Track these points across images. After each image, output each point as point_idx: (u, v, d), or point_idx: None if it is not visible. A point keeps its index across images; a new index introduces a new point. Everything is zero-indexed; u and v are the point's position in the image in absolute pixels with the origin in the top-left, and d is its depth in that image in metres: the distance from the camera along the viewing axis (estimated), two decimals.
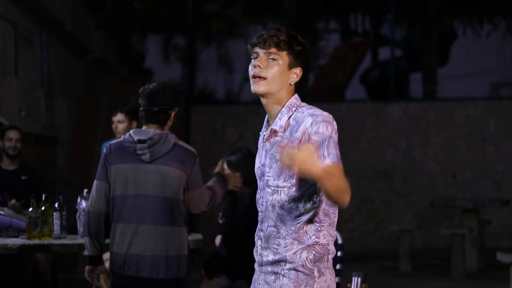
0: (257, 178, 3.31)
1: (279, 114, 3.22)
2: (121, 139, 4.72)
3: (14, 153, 7.38)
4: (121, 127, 7.27)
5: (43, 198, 5.69)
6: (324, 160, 3.04)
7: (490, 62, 18.58)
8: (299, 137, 3.12)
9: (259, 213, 3.29)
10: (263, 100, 3.25)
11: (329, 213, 3.19)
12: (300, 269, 3.15)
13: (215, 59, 24.22)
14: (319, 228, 3.16)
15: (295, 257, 3.15)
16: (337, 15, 19.51)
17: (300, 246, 3.15)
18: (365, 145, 13.97)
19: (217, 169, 5.35)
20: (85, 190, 5.87)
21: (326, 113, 3.15)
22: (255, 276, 3.32)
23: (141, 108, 4.77)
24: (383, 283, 10.13)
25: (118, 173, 4.62)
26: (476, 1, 17.25)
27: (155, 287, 4.55)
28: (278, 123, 3.21)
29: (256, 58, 3.24)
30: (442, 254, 12.27)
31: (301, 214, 3.15)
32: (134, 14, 20.26)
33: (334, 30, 20.10)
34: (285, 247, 3.17)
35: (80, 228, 5.81)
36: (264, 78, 3.21)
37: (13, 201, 6.87)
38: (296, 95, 3.26)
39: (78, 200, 5.82)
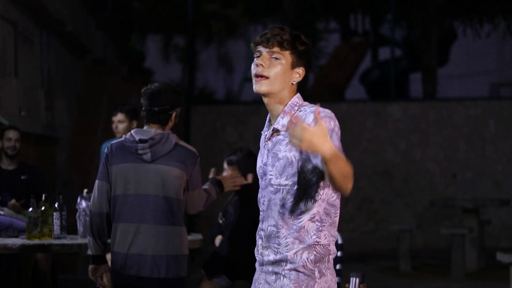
0: (259, 177, 3.31)
1: (282, 113, 3.21)
2: (122, 139, 4.73)
3: (13, 153, 7.38)
4: (121, 127, 7.28)
5: (43, 198, 5.69)
6: None
7: (490, 62, 18.58)
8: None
9: (261, 212, 3.28)
10: (265, 100, 3.24)
11: (330, 213, 3.18)
12: (301, 269, 3.15)
13: (215, 59, 24.22)
14: (320, 228, 3.16)
15: (296, 257, 3.14)
16: (337, 15, 19.51)
17: (301, 246, 3.14)
18: (365, 145, 13.97)
19: (211, 174, 5.39)
20: (85, 190, 5.87)
21: (328, 110, 3.14)
22: (256, 275, 3.32)
23: (143, 108, 4.79)
24: (383, 283, 10.13)
25: (119, 172, 4.63)
26: (476, 1, 17.25)
27: (155, 286, 4.57)
28: (281, 122, 3.20)
29: (259, 57, 3.23)
30: (442, 254, 12.27)
31: (302, 213, 3.15)
32: (134, 14, 20.27)
33: (334, 30, 20.09)
34: (286, 246, 3.16)
35: (80, 228, 5.82)
36: (267, 77, 3.19)
37: (13, 201, 6.87)
38: (298, 94, 3.26)
39: (78, 200, 5.83)
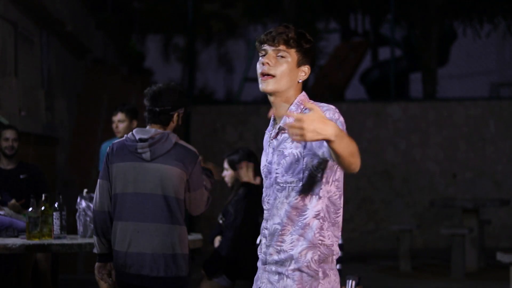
0: (263, 176, 3.30)
1: (288, 111, 3.19)
2: (124, 138, 4.75)
3: (11, 153, 7.38)
4: (121, 126, 7.29)
5: (43, 198, 5.69)
6: None
7: (490, 62, 18.58)
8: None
9: (265, 211, 3.27)
10: (271, 98, 3.23)
11: (334, 210, 3.18)
12: (305, 270, 3.14)
13: (215, 59, 24.23)
14: (323, 226, 3.15)
15: (300, 257, 3.14)
16: (337, 15, 19.51)
17: (305, 244, 3.13)
18: (365, 145, 13.97)
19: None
20: (85, 190, 5.88)
21: (333, 106, 3.15)
22: (257, 274, 3.31)
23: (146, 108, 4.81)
24: (383, 283, 10.12)
25: (119, 171, 4.64)
26: (476, 1, 17.25)
27: (155, 285, 4.58)
28: (287, 121, 3.18)
29: (264, 55, 3.21)
30: (442, 254, 12.27)
31: (307, 210, 3.14)
32: (134, 14, 20.28)
33: (334, 30, 20.10)
34: (291, 243, 3.15)
35: (80, 228, 5.82)
36: (273, 76, 3.18)
37: (13, 201, 6.87)
38: (303, 92, 3.25)
39: (78, 200, 5.83)
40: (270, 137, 3.28)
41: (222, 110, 14.48)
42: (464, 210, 11.00)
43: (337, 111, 3.11)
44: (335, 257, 3.21)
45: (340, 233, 3.23)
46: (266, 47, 3.21)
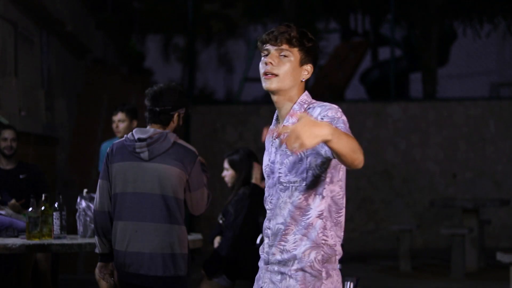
0: (265, 176, 3.28)
1: (291, 111, 3.19)
2: (123, 138, 4.75)
3: (10, 153, 7.38)
4: (122, 126, 7.29)
5: (43, 198, 5.69)
6: None
7: (490, 62, 18.59)
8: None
9: (267, 211, 3.26)
10: (274, 97, 3.22)
11: (336, 210, 3.17)
12: (308, 270, 3.13)
13: (215, 59, 24.24)
14: (326, 226, 3.15)
15: (303, 257, 3.13)
16: (337, 15, 19.51)
17: (308, 244, 3.13)
18: (365, 145, 13.96)
19: None
20: (85, 190, 5.88)
21: (335, 105, 3.15)
22: (259, 274, 3.30)
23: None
24: (383, 283, 10.12)
25: (118, 171, 4.65)
26: (476, 1, 17.25)
27: (154, 285, 4.59)
28: (290, 120, 3.18)
29: (267, 55, 3.21)
30: (442, 254, 12.27)
31: (310, 210, 3.14)
32: (134, 14, 20.28)
33: (334, 30, 20.10)
34: (294, 243, 3.14)
35: (80, 228, 5.82)
36: (276, 75, 3.17)
37: (13, 201, 6.87)
38: (306, 92, 3.24)
39: (78, 200, 5.83)
40: (272, 137, 3.27)
41: (222, 110, 14.48)
42: (464, 210, 11.00)
43: (340, 110, 3.11)
44: (338, 257, 3.20)
45: (342, 233, 3.22)
46: (268, 46, 3.20)
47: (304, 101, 3.21)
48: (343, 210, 3.21)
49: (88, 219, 5.78)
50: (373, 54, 20.17)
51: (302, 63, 3.21)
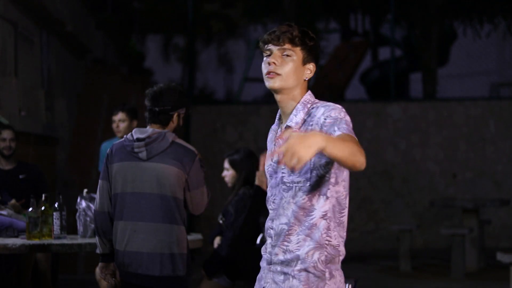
0: (268, 176, 3.27)
1: (294, 110, 3.19)
2: (123, 138, 4.76)
3: (9, 153, 7.37)
4: (122, 126, 7.30)
5: (43, 198, 5.69)
6: (334, 134, 3.01)
7: (490, 62, 18.60)
8: (315, 129, 3.10)
9: (270, 211, 3.25)
10: (278, 97, 3.21)
11: (339, 210, 3.16)
12: (312, 270, 3.12)
13: (215, 59, 24.24)
14: (330, 226, 3.14)
15: (307, 257, 3.12)
16: (337, 15, 19.51)
17: (312, 244, 3.12)
18: (365, 145, 13.94)
19: None
20: (85, 190, 5.88)
21: (339, 105, 3.16)
22: (261, 274, 3.29)
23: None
24: (383, 283, 10.12)
25: (118, 171, 4.66)
26: (476, 1, 17.25)
27: (153, 284, 4.59)
28: (294, 120, 3.18)
29: (269, 55, 3.20)
30: (442, 254, 12.27)
31: (314, 210, 3.12)
32: (134, 14, 20.28)
33: (334, 30, 20.10)
34: (297, 243, 3.13)
35: (80, 228, 5.82)
36: (280, 75, 3.17)
37: (13, 201, 6.87)
38: (310, 91, 3.24)
39: (78, 200, 5.83)
40: (276, 136, 3.27)
41: (222, 110, 14.47)
42: (464, 210, 11.00)
43: (343, 110, 3.12)
44: (341, 258, 3.19)
45: (345, 233, 3.20)
46: (271, 46, 3.20)
47: (307, 100, 3.20)
48: (346, 210, 3.20)
49: (88, 219, 5.78)
50: (373, 54, 20.17)
51: (304, 62, 3.21)
